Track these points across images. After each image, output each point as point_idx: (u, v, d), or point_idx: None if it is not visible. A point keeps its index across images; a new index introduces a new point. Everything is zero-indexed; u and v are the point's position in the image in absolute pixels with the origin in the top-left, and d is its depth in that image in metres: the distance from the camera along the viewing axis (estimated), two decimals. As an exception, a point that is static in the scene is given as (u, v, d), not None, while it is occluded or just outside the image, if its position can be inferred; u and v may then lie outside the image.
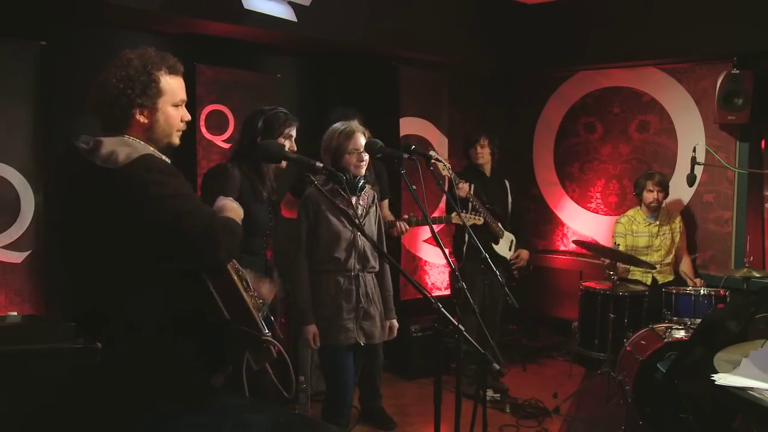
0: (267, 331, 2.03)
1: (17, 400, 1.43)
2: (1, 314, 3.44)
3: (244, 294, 2.02)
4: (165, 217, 1.88)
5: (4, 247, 3.67)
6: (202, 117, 4.43)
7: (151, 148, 2.03)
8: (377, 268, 3.24)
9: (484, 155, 4.78)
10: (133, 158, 1.91)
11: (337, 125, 3.22)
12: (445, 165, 4.35)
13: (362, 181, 3.15)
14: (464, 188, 4.44)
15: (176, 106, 2.10)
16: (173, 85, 2.09)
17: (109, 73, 2.01)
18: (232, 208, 2.12)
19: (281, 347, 2.09)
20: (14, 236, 3.68)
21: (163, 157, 2.05)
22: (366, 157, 3.14)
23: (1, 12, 3.65)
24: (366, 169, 4.02)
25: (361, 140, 3.13)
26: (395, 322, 3.32)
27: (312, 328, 3.08)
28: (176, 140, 2.13)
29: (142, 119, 2.02)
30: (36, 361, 1.67)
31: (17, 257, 3.70)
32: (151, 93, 2.03)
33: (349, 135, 3.13)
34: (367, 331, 3.16)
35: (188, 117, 2.15)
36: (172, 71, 2.10)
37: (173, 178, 1.95)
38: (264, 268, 3.04)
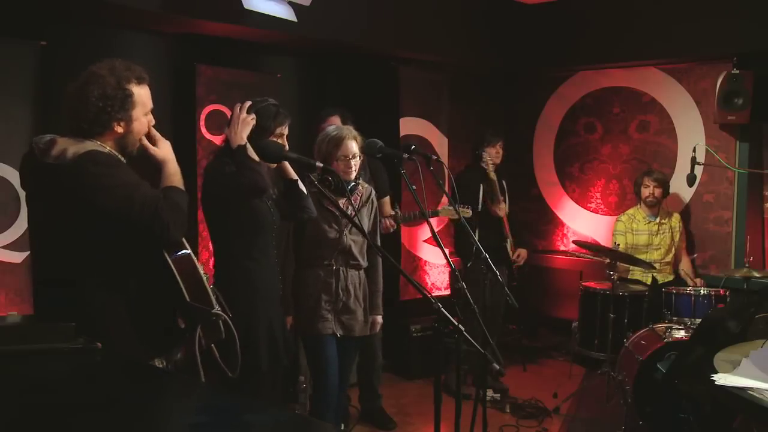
0: (217, 306, 2.18)
1: (17, 400, 1.43)
2: (1, 314, 3.44)
3: (201, 272, 2.17)
4: (114, 206, 2.03)
5: (4, 247, 3.67)
6: (202, 117, 4.43)
7: (98, 143, 2.13)
8: (363, 265, 3.29)
9: (499, 156, 4.82)
10: (80, 153, 2.04)
11: (330, 130, 3.25)
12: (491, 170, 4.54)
13: (351, 184, 3.17)
14: (503, 208, 4.52)
15: (146, 114, 2.22)
16: (143, 96, 2.21)
17: (85, 92, 2.12)
18: (176, 171, 2.22)
19: (229, 321, 2.20)
20: (14, 236, 3.68)
21: (110, 150, 2.14)
22: (354, 163, 3.18)
23: (1, 12, 3.65)
24: (362, 169, 4.04)
25: (351, 146, 3.16)
26: (378, 318, 3.39)
27: (288, 319, 3.16)
28: (138, 144, 2.25)
29: (119, 129, 2.15)
30: (36, 361, 1.67)
31: (17, 257, 3.70)
32: (127, 107, 2.15)
33: (338, 142, 3.15)
34: (346, 324, 3.23)
35: (153, 121, 2.26)
36: (140, 81, 2.20)
37: (118, 169, 2.10)
38: (276, 270, 2.95)
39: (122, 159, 2.18)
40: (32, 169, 2.14)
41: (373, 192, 3.42)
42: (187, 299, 2.08)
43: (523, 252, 4.93)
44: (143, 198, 2.05)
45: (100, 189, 2.03)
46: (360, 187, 3.31)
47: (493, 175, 4.71)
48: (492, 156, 4.78)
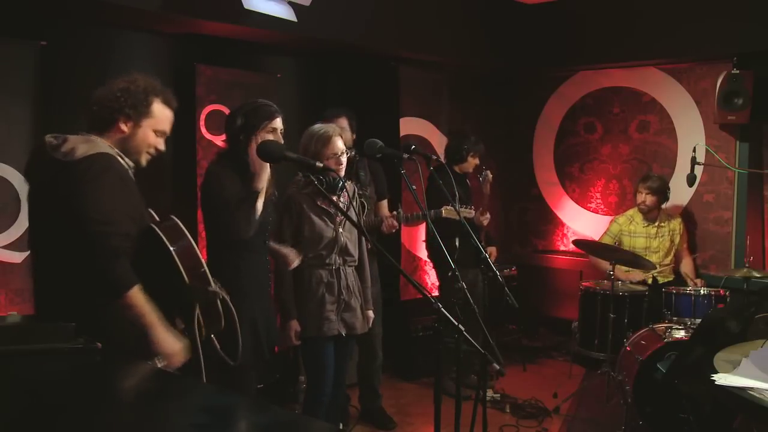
0: (215, 285, 2.20)
1: (17, 400, 1.43)
2: (1, 314, 3.44)
3: (201, 259, 2.20)
4: (77, 211, 2.02)
5: (4, 247, 3.67)
6: (202, 117, 4.43)
7: (116, 150, 2.18)
8: (357, 262, 3.31)
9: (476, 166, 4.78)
10: (89, 154, 2.08)
11: (315, 128, 3.22)
12: (487, 176, 4.52)
13: (341, 182, 3.17)
14: (488, 218, 4.48)
15: (156, 132, 2.29)
16: (163, 114, 2.29)
17: (114, 83, 2.23)
18: (165, 336, 2.11)
19: (228, 301, 2.22)
20: (14, 236, 3.68)
21: (124, 163, 2.20)
22: (344, 159, 3.17)
23: (1, 12, 3.65)
24: (362, 170, 4.04)
25: (339, 144, 3.16)
26: (371, 313, 3.41)
27: (294, 324, 3.14)
28: (143, 161, 2.31)
29: (123, 127, 2.21)
30: (36, 361, 1.67)
31: (17, 257, 3.70)
32: (141, 110, 2.22)
33: (326, 141, 3.14)
34: (348, 323, 3.23)
35: (162, 148, 2.33)
36: (166, 103, 2.30)
37: (108, 187, 2.08)
38: (267, 267, 3.05)
39: (129, 167, 2.22)
40: (39, 163, 2.17)
41: (356, 190, 3.43)
42: (186, 281, 2.10)
43: (493, 250, 4.89)
44: (112, 237, 2.02)
45: (79, 191, 2.04)
46: (348, 185, 3.30)
47: (487, 190, 4.66)
48: (472, 163, 4.72)
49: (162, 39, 4.39)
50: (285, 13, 4.26)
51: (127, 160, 2.21)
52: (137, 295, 2.06)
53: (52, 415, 1.34)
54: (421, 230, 5.42)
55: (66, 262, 2.08)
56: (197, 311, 2.17)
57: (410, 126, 5.43)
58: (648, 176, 5.06)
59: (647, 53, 5.40)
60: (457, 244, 4.45)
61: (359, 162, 3.97)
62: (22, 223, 3.69)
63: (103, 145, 2.14)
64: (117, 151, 2.18)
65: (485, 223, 4.61)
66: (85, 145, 2.09)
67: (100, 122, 2.20)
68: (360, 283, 3.35)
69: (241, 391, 2.88)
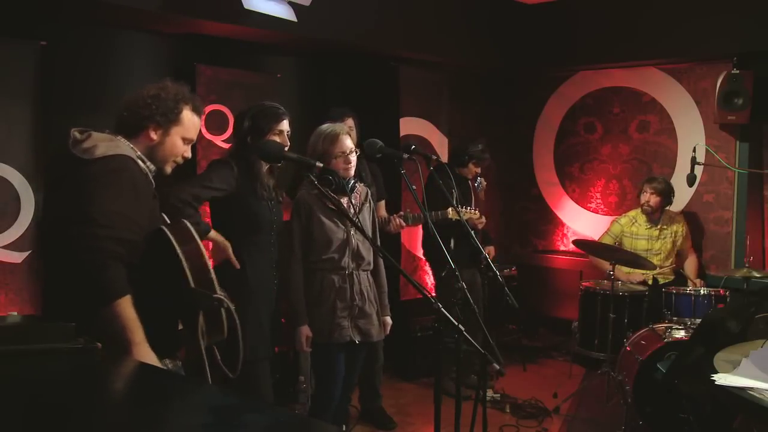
0: (220, 292, 2.16)
1: (17, 400, 1.43)
2: (1, 314, 3.44)
3: (208, 262, 2.17)
4: (80, 209, 1.99)
5: (4, 247, 3.67)
6: (202, 117, 4.42)
7: (137, 153, 2.17)
8: (372, 266, 3.25)
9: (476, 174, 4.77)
10: (107, 154, 2.07)
11: (323, 128, 3.19)
12: (481, 184, 4.54)
13: (352, 181, 3.14)
14: (483, 221, 4.48)
15: (184, 140, 2.29)
16: (191, 122, 2.30)
17: (145, 89, 2.23)
18: (146, 355, 2.02)
19: (232, 310, 2.19)
20: (14, 236, 3.68)
21: (143, 167, 2.18)
22: (353, 158, 3.13)
23: (1, 12, 3.65)
24: (363, 171, 4.03)
25: (347, 142, 3.12)
26: (388, 320, 3.34)
27: (305, 330, 3.09)
28: (169, 169, 2.30)
29: (153, 135, 2.21)
30: (36, 361, 1.67)
31: (17, 257, 3.70)
32: (171, 117, 2.22)
33: (334, 139, 3.10)
34: (363, 329, 3.17)
35: (189, 155, 2.33)
36: (195, 110, 2.31)
37: (117, 190, 2.04)
38: (273, 265, 3.04)
39: (149, 170, 2.21)
40: (58, 158, 2.17)
41: (370, 192, 3.41)
42: (191, 284, 2.08)
43: (490, 250, 4.89)
44: (100, 224, 1.98)
45: (86, 192, 2.02)
46: (358, 186, 3.28)
47: (482, 196, 4.66)
48: (473, 168, 4.71)
49: (162, 39, 4.39)
50: (285, 13, 4.26)
51: (148, 163, 2.20)
52: (125, 307, 1.97)
53: (52, 416, 1.34)
54: (421, 230, 5.41)
55: (70, 262, 2.07)
56: (200, 317, 2.15)
57: (410, 126, 5.43)
58: (654, 177, 5.08)
59: (647, 53, 5.40)
60: (452, 244, 4.45)
61: (360, 163, 3.97)
62: (22, 223, 3.69)
63: (125, 147, 2.13)
64: (139, 154, 2.17)
65: (480, 226, 4.60)
66: (105, 145, 2.08)
67: (129, 128, 2.19)
68: (376, 288, 3.28)
69: (258, 384, 2.90)
